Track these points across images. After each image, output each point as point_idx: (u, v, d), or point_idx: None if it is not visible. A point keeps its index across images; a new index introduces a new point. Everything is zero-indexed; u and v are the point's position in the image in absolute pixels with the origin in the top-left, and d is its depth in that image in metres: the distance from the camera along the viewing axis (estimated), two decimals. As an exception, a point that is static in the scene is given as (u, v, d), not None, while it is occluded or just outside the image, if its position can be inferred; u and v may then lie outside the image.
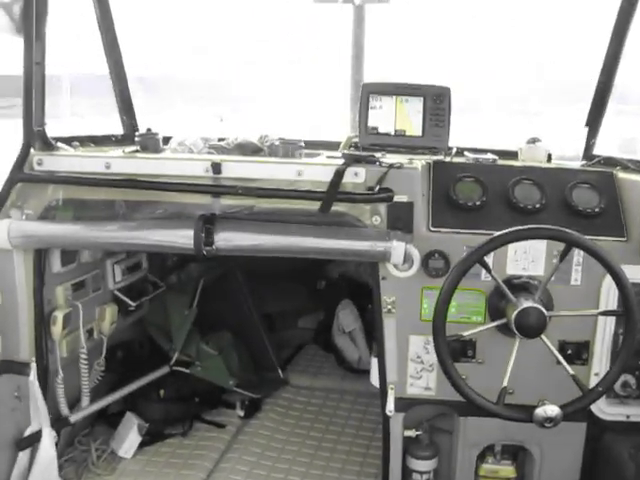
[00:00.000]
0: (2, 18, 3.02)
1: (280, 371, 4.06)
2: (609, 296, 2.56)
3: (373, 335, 2.80)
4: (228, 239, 2.59)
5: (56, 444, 2.89)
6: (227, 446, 3.42)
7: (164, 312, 3.74)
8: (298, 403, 3.88)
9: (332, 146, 3.05)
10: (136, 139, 2.92)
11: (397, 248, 2.51)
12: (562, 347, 2.58)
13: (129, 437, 3.31)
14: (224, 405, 3.77)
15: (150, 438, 3.41)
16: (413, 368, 2.69)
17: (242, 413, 3.69)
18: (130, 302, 3.40)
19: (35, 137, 2.71)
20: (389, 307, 2.63)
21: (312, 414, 3.77)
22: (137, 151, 2.86)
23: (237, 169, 2.63)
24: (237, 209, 2.64)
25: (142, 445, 3.35)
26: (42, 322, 2.84)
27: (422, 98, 2.79)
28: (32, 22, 2.58)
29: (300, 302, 4.55)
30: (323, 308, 4.54)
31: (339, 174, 2.53)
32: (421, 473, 2.84)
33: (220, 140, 2.99)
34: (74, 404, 3.14)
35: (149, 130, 2.95)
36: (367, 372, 3.95)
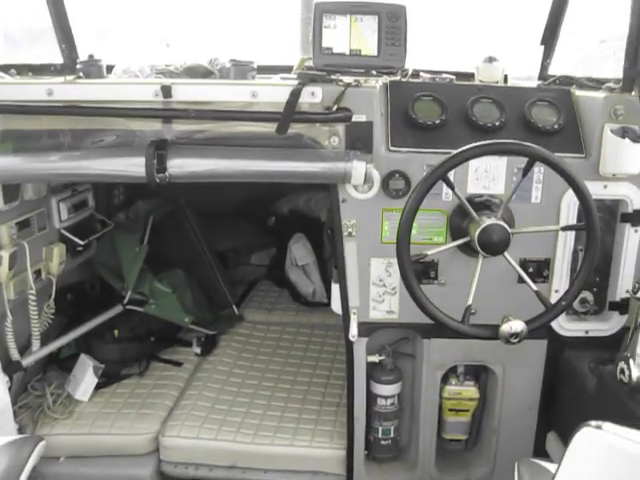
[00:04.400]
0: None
1: (235, 307, 4.01)
2: (569, 213, 2.57)
3: (328, 265, 2.76)
4: (182, 165, 2.48)
5: (9, 390, 2.79)
6: (186, 383, 3.38)
7: (114, 251, 3.64)
8: (255, 338, 3.85)
9: (284, 70, 2.96)
10: (78, 66, 2.76)
11: (357, 168, 2.45)
12: (523, 265, 2.58)
13: (85, 379, 3.23)
14: (180, 343, 3.72)
15: (106, 379, 3.33)
16: (375, 292, 2.65)
17: (199, 350, 3.64)
18: (78, 241, 3.29)
19: None
20: (349, 230, 2.58)
21: (270, 348, 3.74)
22: (79, 78, 2.71)
23: (188, 92, 2.51)
24: (190, 134, 2.53)
25: (98, 387, 3.27)
26: None
27: (377, 16, 2.70)
28: None
29: (251, 239, 4.49)
30: (275, 244, 4.49)
31: (295, 94, 2.44)
32: (386, 397, 2.85)
33: (167, 66, 2.86)
34: (24, 349, 3.05)
35: (91, 57, 2.78)
36: (322, 305, 4.00)
